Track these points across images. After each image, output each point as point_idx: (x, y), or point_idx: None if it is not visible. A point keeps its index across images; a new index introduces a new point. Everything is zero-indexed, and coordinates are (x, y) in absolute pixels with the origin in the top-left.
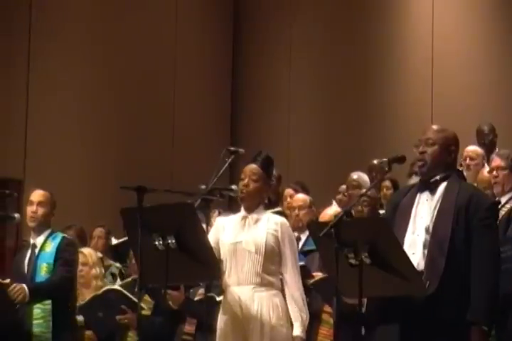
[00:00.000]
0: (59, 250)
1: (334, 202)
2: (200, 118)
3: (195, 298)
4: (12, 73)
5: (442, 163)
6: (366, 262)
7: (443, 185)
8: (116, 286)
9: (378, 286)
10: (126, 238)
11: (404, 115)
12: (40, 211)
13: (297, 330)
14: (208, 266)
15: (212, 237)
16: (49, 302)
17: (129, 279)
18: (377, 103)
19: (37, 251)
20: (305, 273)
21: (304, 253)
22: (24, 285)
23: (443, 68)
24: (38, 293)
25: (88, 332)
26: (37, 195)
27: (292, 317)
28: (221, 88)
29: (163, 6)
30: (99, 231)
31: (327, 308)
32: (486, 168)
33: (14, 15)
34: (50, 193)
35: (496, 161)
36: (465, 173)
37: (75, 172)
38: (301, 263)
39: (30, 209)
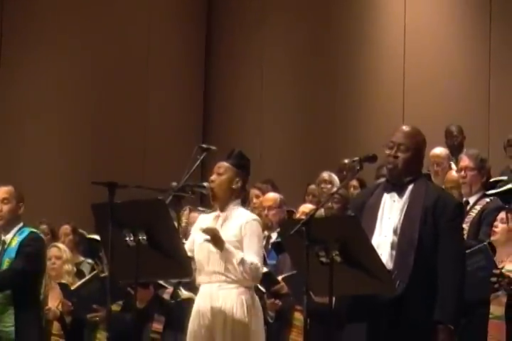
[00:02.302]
0: (21, 245)
1: None
2: (173, 115)
3: (164, 296)
4: None
5: (412, 167)
6: (337, 260)
7: (410, 187)
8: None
9: (348, 285)
10: None
11: (375, 115)
12: (6, 208)
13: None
14: (179, 264)
15: (191, 236)
16: (10, 295)
17: (92, 274)
18: (348, 103)
19: (5, 247)
20: (271, 279)
21: (274, 245)
22: None
23: (414, 72)
24: None
25: (55, 326)
26: None
27: None
28: (194, 87)
29: (136, 15)
30: (65, 229)
31: (298, 307)
32: (454, 169)
33: None
34: (14, 187)
35: (465, 161)
36: (433, 179)
37: (47, 167)
38: (266, 269)
39: None
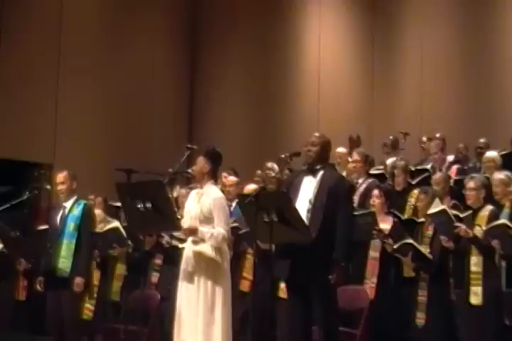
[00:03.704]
0: (84, 215)
1: None
2: (170, 124)
3: (163, 242)
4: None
5: (321, 158)
6: (275, 220)
7: (321, 172)
8: (118, 225)
9: (282, 235)
10: None
11: (299, 124)
12: (63, 187)
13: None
14: (172, 222)
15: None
16: (73, 247)
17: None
18: (283, 118)
19: (66, 211)
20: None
21: None
22: None
23: (327, 93)
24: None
25: (88, 305)
26: (58, 177)
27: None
28: (183, 105)
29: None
30: (99, 200)
31: (250, 250)
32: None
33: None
34: (68, 171)
35: (354, 156)
36: (337, 167)
37: (90, 159)
38: (235, 224)
39: (57, 188)
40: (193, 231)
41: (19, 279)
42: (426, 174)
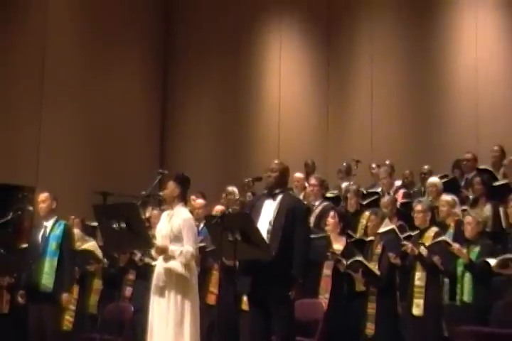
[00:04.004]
0: (65, 235)
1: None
2: (144, 153)
3: (135, 259)
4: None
5: (280, 183)
6: (238, 239)
7: (280, 196)
8: (90, 248)
9: (245, 253)
10: None
11: (261, 152)
12: (44, 206)
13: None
14: (146, 241)
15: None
16: (55, 264)
17: (87, 245)
18: (247, 146)
19: (48, 231)
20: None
21: None
22: None
23: (287, 125)
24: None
25: (68, 317)
26: (40, 197)
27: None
28: (154, 129)
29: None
30: (77, 220)
31: (216, 267)
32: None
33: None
34: (50, 193)
35: (312, 181)
36: (294, 190)
37: (69, 183)
38: (202, 244)
39: (39, 207)
40: (163, 250)
41: (2, 293)
42: (376, 196)
